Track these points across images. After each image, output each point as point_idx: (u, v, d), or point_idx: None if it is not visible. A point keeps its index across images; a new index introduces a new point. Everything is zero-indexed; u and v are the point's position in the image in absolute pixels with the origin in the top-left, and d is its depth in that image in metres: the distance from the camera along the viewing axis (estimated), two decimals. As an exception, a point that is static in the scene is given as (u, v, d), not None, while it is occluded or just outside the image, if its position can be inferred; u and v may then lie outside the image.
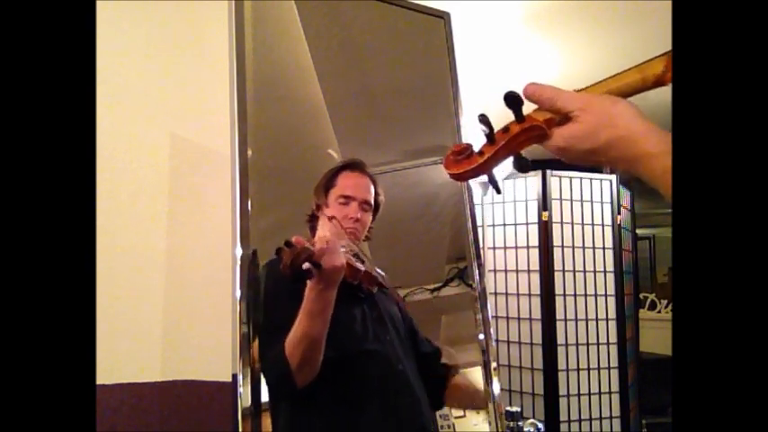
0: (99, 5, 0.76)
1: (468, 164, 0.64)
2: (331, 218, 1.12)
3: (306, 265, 0.90)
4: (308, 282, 0.94)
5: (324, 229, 1.12)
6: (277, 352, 0.94)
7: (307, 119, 1.24)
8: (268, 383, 0.96)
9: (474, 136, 0.90)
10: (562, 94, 0.61)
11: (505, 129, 0.62)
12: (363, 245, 1.17)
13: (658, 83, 0.62)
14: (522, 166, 0.65)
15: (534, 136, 0.62)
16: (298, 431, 1.00)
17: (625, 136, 0.56)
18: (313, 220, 1.14)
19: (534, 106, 0.64)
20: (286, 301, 0.96)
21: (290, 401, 0.99)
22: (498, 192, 0.74)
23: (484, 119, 0.62)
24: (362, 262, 1.11)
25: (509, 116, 0.62)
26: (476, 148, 0.65)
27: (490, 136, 0.62)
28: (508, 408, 1.25)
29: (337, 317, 0.99)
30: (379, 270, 1.15)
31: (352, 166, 1.18)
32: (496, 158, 0.63)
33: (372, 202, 1.18)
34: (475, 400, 1.24)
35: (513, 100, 0.60)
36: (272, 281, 1.01)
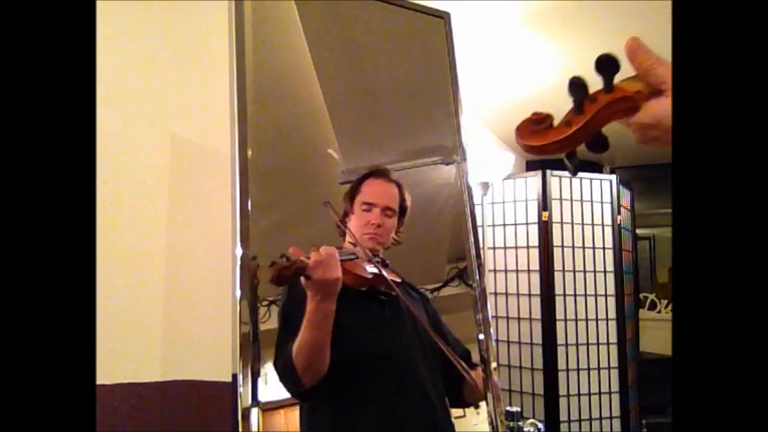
0: (99, 5, 0.76)
1: (553, 135, 0.55)
2: (344, 231, 1.15)
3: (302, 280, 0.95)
4: (308, 294, 0.98)
5: (349, 237, 1.16)
6: (286, 357, 0.99)
7: (307, 119, 1.24)
8: (282, 384, 1.01)
9: (474, 135, 0.89)
10: (663, 62, 0.53)
11: (593, 98, 0.55)
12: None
13: None
14: (599, 146, 0.56)
15: (623, 109, 0.55)
16: (310, 428, 1.04)
17: None
18: (342, 227, 1.18)
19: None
20: (297, 311, 1.00)
21: (303, 401, 1.04)
22: (575, 174, 0.61)
23: (578, 82, 0.54)
24: (385, 267, 1.13)
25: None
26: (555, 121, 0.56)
27: (579, 104, 0.55)
28: (508, 408, 1.25)
29: (350, 321, 1.03)
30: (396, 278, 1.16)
31: (377, 173, 1.21)
32: (585, 131, 0.54)
33: (396, 207, 1.20)
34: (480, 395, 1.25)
35: (608, 64, 0.53)
36: (289, 292, 1.05)
